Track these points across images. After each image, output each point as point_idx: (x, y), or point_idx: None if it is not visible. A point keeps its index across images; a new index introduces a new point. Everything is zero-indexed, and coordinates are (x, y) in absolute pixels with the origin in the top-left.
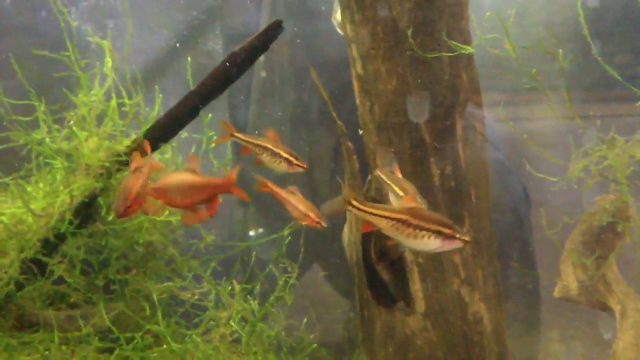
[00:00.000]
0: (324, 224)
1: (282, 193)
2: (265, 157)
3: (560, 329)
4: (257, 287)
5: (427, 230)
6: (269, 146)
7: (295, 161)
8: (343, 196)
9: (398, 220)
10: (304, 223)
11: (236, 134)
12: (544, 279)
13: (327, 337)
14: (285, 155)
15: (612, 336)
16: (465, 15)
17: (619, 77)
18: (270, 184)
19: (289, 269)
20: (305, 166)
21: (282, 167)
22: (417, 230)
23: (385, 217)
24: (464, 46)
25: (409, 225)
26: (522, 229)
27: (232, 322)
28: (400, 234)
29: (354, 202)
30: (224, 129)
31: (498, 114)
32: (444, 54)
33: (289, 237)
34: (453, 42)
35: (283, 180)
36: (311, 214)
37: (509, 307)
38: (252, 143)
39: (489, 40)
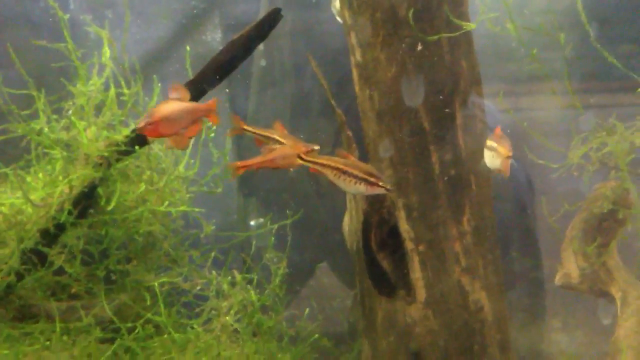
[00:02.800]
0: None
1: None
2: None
3: (562, 317)
4: (255, 278)
5: (357, 177)
6: (278, 138)
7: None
8: (295, 150)
9: (338, 169)
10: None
11: (245, 127)
12: (545, 267)
13: (328, 326)
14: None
15: (612, 322)
16: (464, 2)
17: (619, 64)
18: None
19: (275, 260)
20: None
21: None
22: (351, 177)
23: (330, 167)
24: (465, 23)
25: (345, 173)
26: (526, 217)
27: (231, 313)
28: (338, 179)
29: (304, 156)
30: (234, 122)
31: (499, 102)
32: (444, 33)
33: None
34: (457, 21)
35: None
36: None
37: (513, 295)
38: (262, 135)
39: (490, 29)
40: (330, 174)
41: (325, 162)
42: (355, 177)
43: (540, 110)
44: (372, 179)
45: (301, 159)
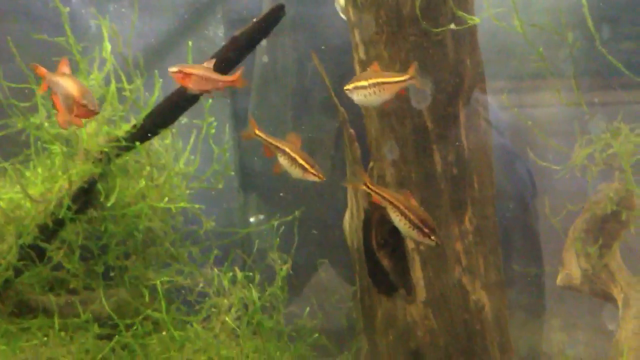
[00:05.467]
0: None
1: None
2: (283, 160)
3: (562, 317)
4: (257, 276)
5: (412, 223)
6: (288, 150)
7: (310, 169)
8: (360, 177)
9: (398, 209)
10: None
11: (258, 132)
12: (547, 267)
13: (327, 324)
14: (301, 161)
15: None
16: (469, 0)
17: (623, 68)
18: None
19: (280, 261)
20: (320, 176)
21: (298, 172)
22: (407, 221)
23: (391, 204)
24: (469, 17)
25: (403, 214)
26: (528, 216)
27: (231, 312)
28: (395, 216)
29: (369, 185)
30: (249, 125)
31: (503, 100)
32: (450, 26)
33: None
34: (462, 14)
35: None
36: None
37: (513, 295)
38: (272, 144)
39: (495, 26)
40: (389, 209)
41: (388, 197)
42: (412, 222)
43: (544, 107)
44: (426, 230)
45: (367, 186)
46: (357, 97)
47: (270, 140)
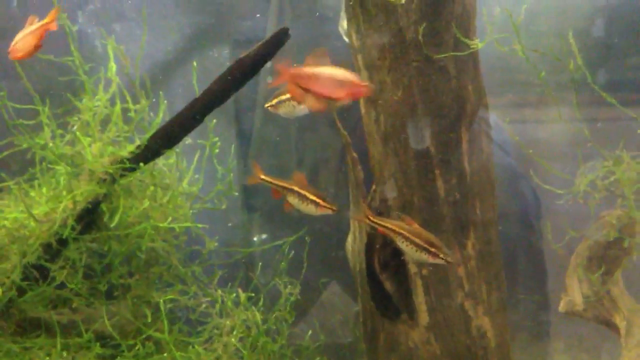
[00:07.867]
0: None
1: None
2: (294, 199)
3: (565, 339)
4: (262, 297)
5: (419, 246)
6: (296, 189)
7: (322, 203)
8: (362, 210)
9: (402, 236)
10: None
11: (263, 177)
12: (552, 287)
13: (329, 341)
14: (312, 197)
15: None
16: (472, 27)
17: (615, 101)
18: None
19: (290, 286)
20: (334, 208)
21: (310, 209)
22: (413, 245)
23: (396, 233)
24: (472, 42)
25: (408, 240)
26: (533, 236)
27: (234, 334)
28: (402, 244)
29: (371, 218)
30: (253, 171)
31: (505, 118)
32: (451, 57)
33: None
34: (465, 40)
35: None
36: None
37: (518, 317)
38: (280, 186)
39: (497, 50)
40: (395, 238)
41: (392, 226)
42: (418, 246)
43: (548, 125)
44: (432, 250)
45: (369, 220)
46: (285, 110)
47: (277, 182)
